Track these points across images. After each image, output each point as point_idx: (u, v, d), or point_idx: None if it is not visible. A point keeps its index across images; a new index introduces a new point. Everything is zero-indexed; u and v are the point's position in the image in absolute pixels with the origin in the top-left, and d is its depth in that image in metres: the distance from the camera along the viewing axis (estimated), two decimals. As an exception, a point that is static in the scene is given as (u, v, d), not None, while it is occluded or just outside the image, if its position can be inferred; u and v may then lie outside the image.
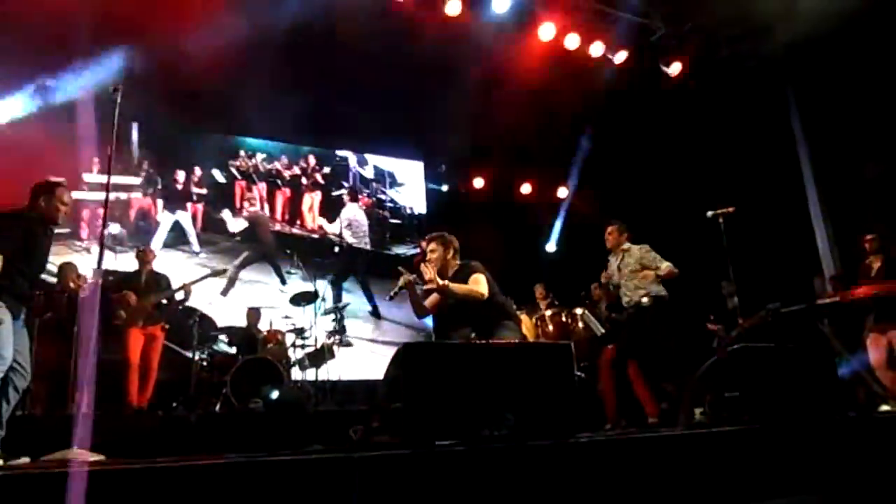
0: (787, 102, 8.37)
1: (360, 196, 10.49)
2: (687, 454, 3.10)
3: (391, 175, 10.89)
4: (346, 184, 10.40)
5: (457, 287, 4.56)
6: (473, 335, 4.74)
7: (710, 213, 5.85)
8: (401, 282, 4.60)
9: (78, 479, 2.09)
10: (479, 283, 4.56)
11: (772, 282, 7.33)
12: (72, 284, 6.33)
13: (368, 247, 10.27)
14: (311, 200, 10.21)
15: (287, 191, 10.10)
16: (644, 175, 8.74)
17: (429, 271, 4.58)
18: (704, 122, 8.14)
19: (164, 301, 6.78)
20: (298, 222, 10.01)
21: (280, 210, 10.01)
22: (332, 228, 10.15)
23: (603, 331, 7.31)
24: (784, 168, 8.03)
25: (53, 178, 4.56)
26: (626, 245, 6.06)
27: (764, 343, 4.48)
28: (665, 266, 5.83)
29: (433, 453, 2.71)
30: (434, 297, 4.81)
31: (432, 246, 4.83)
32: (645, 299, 5.78)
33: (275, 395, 6.27)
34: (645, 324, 5.77)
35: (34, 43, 6.82)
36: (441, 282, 4.53)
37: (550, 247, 10.87)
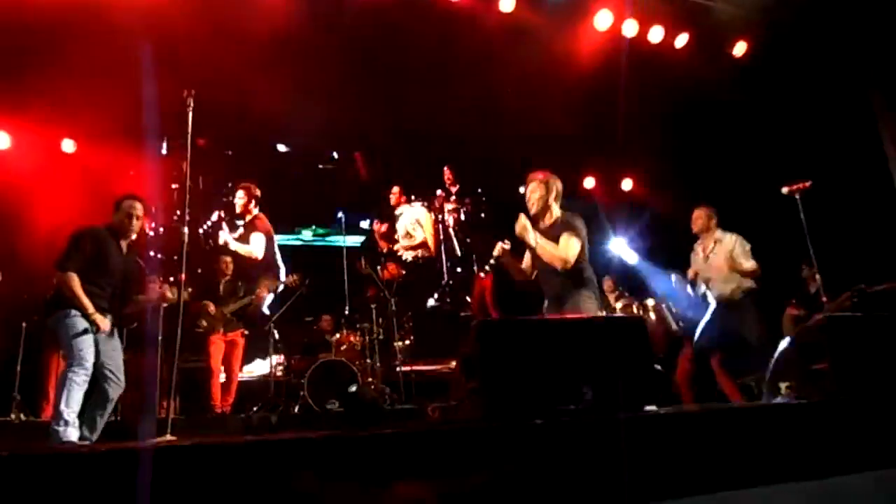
0: (865, 73, 7.98)
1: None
2: (772, 426, 3.00)
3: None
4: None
5: (542, 249, 4.22)
6: (546, 303, 4.44)
7: (785, 189, 5.62)
8: (496, 250, 4.36)
9: (181, 452, 2.20)
10: (569, 247, 4.18)
11: (856, 261, 6.98)
12: (153, 295, 6.62)
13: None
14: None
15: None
16: (713, 153, 8.50)
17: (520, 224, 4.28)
18: (773, 96, 7.86)
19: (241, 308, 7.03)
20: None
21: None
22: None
23: (676, 327, 7.14)
24: (863, 140, 7.65)
25: (129, 194, 4.77)
26: (719, 234, 5.87)
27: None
28: (749, 265, 5.62)
29: (511, 428, 2.71)
30: (529, 255, 4.49)
31: (532, 186, 4.49)
32: (738, 293, 5.59)
33: (353, 388, 6.35)
34: (734, 318, 5.59)
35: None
36: (533, 238, 4.22)
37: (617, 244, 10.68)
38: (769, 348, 5.08)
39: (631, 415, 2.90)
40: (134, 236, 4.75)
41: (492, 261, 4.40)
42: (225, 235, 7.23)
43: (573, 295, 4.20)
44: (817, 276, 6.08)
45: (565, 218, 4.39)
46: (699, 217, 5.95)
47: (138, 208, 4.68)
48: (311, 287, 7.43)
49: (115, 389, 4.42)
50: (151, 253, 7.03)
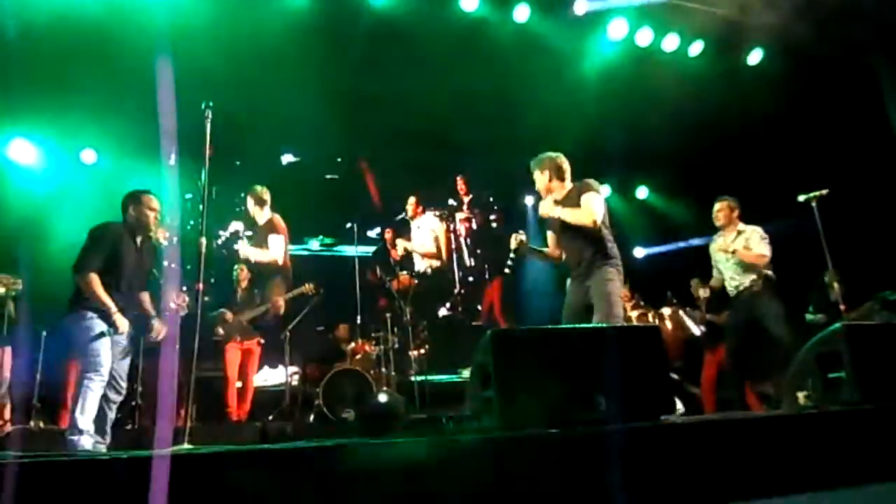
0: (878, 80, 7.94)
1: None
2: (792, 436, 2.97)
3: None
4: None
5: (563, 212, 4.34)
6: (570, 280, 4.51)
7: (802, 197, 5.58)
8: (513, 243, 4.43)
9: (200, 460, 2.22)
10: (592, 204, 4.30)
11: (877, 269, 6.91)
12: (172, 304, 6.69)
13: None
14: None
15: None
16: (729, 162, 8.45)
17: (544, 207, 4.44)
18: (790, 105, 7.81)
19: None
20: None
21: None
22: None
23: (698, 333, 7.07)
24: (881, 146, 7.59)
25: (142, 189, 4.72)
26: (742, 226, 5.81)
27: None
28: (756, 251, 5.55)
29: (527, 437, 2.71)
30: (551, 236, 4.63)
31: (534, 174, 4.65)
32: (759, 283, 5.50)
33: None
34: (756, 310, 5.50)
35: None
36: (547, 210, 4.39)
37: (640, 252, 10.64)
38: (791, 347, 4.97)
39: (644, 424, 2.89)
40: (153, 231, 4.71)
41: (511, 254, 4.46)
42: (243, 249, 7.16)
43: (598, 269, 4.31)
44: (836, 284, 6.02)
45: (577, 185, 4.55)
46: (721, 209, 5.87)
47: (155, 202, 4.66)
48: (323, 297, 7.45)
49: (116, 395, 4.40)
50: (167, 263, 7.09)
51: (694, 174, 9.08)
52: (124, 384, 4.46)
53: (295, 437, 6.13)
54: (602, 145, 8.86)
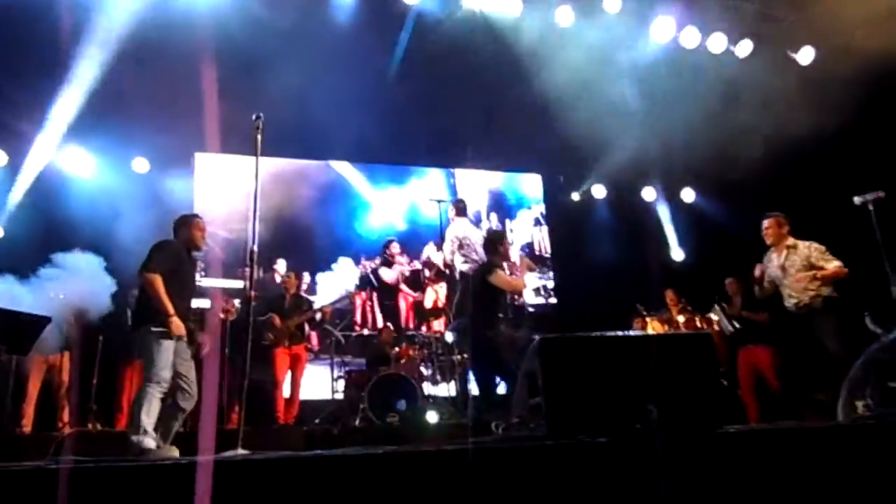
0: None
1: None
2: (849, 447, 2.88)
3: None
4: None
5: None
6: None
7: (857, 200, 5.38)
8: None
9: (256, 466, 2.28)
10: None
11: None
12: (221, 314, 6.87)
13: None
14: (436, 294, 9.53)
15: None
16: (780, 164, 8.23)
17: None
18: (842, 105, 7.57)
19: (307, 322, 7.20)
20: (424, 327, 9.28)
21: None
22: (438, 258, 9.09)
23: (732, 329, 6.87)
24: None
25: (192, 213, 5.05)
26: (791, 241, 5.63)
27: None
28: (833, 265, 5.37)
29: (576, 445, 2.69)
30: None
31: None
32: (819, 301, 5.34)
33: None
34: (813, 326, 5.34)
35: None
36: None
37: (677, 254, 10.46)
38: (849, 360, 4.79)
39: (698, 434, 2.84)
40: (202, 248, 4.92)
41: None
42: None
43: None
44: None
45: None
46: (770, 227, 5.68)
47: (203, 223, 4.92)
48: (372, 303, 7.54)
49: (189, 401, 4.54)
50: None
51: (745, 176, 8.87)
52: (195, 389, 4.58)
53: (341, 440, 6.21)
54: (648, 148, 8.78)
